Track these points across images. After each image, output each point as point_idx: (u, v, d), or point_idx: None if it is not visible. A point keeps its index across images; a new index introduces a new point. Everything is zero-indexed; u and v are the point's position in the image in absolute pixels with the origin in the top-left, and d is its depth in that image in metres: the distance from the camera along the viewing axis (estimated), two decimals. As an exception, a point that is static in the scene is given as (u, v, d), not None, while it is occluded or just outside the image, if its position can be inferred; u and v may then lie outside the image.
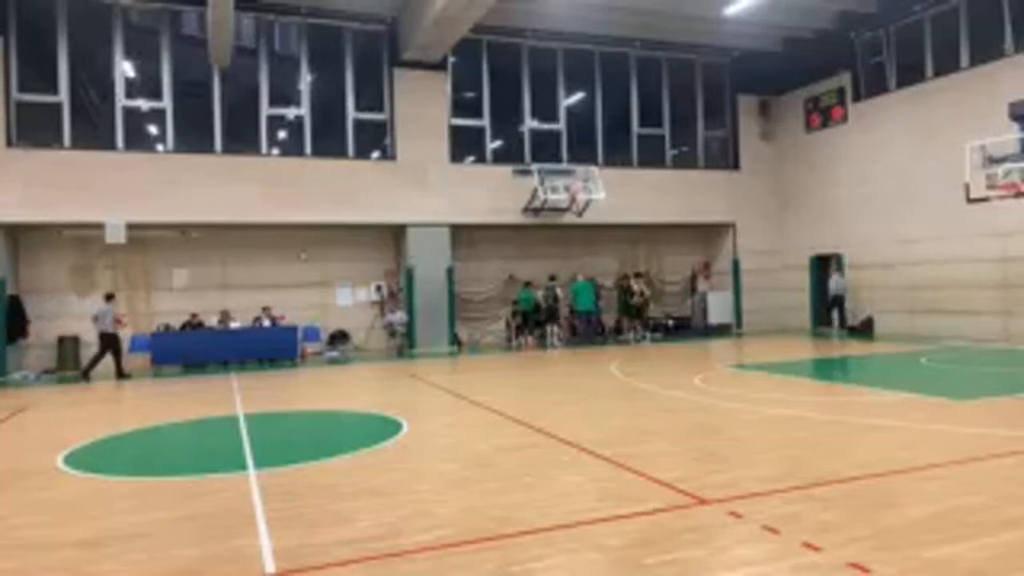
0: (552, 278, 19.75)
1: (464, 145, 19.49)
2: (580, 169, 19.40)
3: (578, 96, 20.93)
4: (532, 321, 19.49)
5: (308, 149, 18.13)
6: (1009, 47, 16.23)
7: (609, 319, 21.13)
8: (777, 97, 22.44)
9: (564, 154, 20.28)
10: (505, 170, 19.42)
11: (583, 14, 18.63)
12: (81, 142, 16.43)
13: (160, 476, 6.56)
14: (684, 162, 22.00)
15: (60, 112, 16.25)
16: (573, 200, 18.98)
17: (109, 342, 14.93)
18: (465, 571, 4.02)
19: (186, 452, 8.30)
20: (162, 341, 16.44)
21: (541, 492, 5.51)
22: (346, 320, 19.15)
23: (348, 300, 19.39)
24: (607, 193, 19.10)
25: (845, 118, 20.24)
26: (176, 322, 17.19)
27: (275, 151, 18.29)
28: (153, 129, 17.42)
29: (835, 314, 19.44)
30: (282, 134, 18.57)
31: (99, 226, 15.93)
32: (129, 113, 16.92)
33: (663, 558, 4.10)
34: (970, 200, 14.23)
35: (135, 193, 16.18)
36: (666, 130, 21.58)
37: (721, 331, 21.35)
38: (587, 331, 19.89)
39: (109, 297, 15.55)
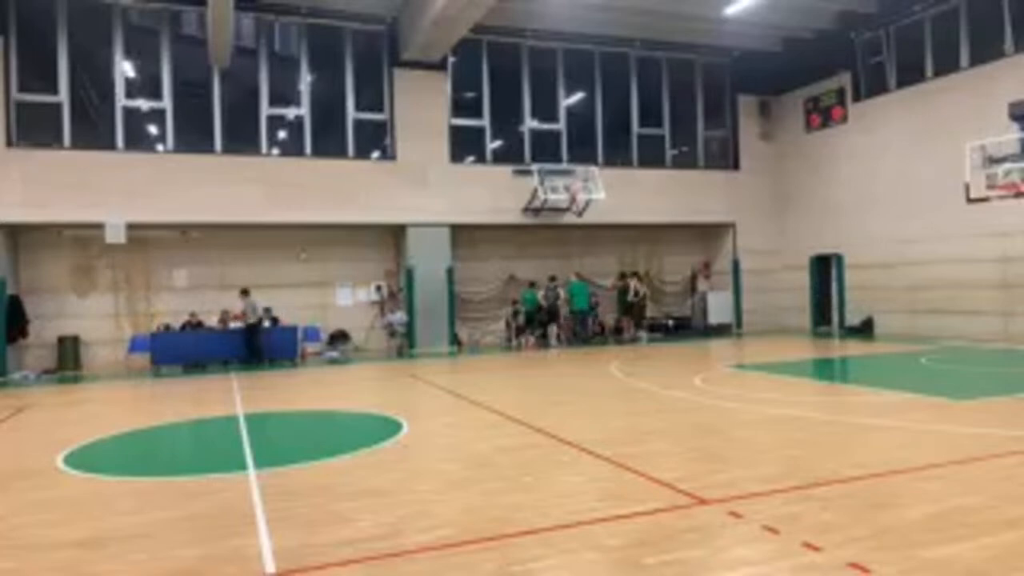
0: (552, 278, 19.75)
1: (464, 145, 19.49)
2: (580, 169, 19.40)
3: (578, 96, 20.93)
4: (536, 321, 19.51)
5: (308, 149, 18.13)
6: (1009, 47, 16.23)
7: (609, 319, 21.15)
8: (777, 97, 22.44)
9: (564, 154, 20.28)
10: (505, 170, 19.42)
11: (583, 14, 18.63)
12: (81, 142, 16.42)
13: (160, 476, 6.56)
14: (684, 162, 22.00)
15: (60, 112, 16.25)
16: (573, 200, 18.99)
17: (255, 329, 16.48)
18: (465, 571, 4.02)
19: (186, 452, 8.30)
20: (162, 341, 16.44)
21: (541, 492, 5.51)
22: (346, 320, 19.14)
23: (348, 300, 19.39)
24: (607, 193, 19.11)
25: (845, 118, 20.24)
26: (176, 322, 17.18)
27: (275, 151, 18.29)
28: (153, 129, 17.42)
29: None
30: (282, 134, 18.57)
31: (99, 226, 15.93)
32: (129, 113, 16.92)
33: (663, 558, 4.10)
34: (970, 200, 14.24)
35: (135, 193, 16.19)
36: (666, 130, 21.58)
37: (721, 331, 21.35)
38: (583, 331, 19.88)
39: (245, 292, 16.54)
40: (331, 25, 18.34)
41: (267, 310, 17.48)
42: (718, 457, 6.45)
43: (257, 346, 16.44)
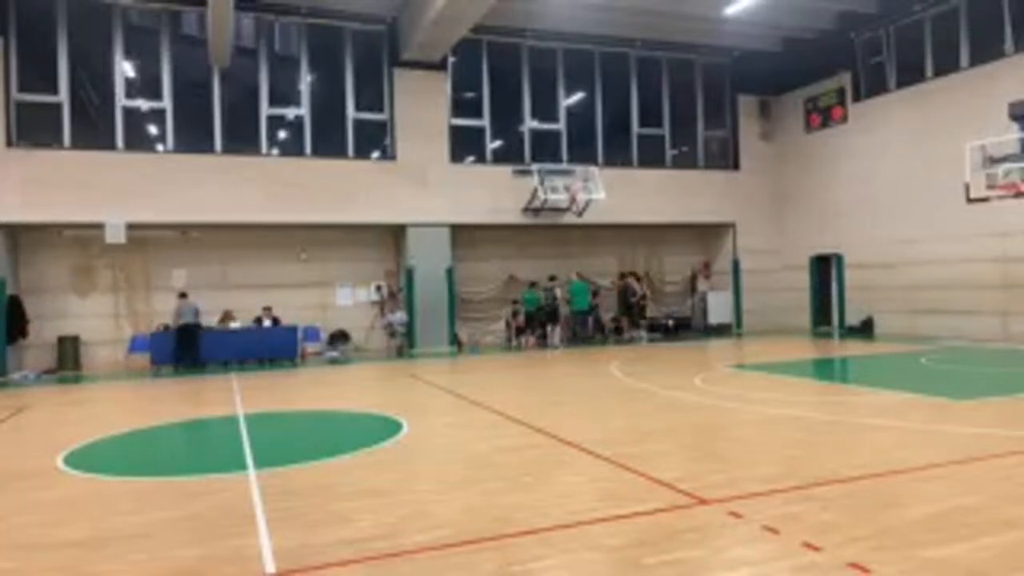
0: (552, 278, 19.75)
1: (464, 145, 19.49)
2: (580, 169, 19.40)
3: (578, 96, 20.93)
4: (537, 320, 19.51)
5: (308, 149, 18.13)
6: (1009, 47, 16.23)
7: (609, 319, 21.15)
8: (777, 97, 22.44)
9: (564, 154, 20.27)
10: (505, 170, 19.42)
11: (583, 14, 18.63)
12: (81, 142, 16.42)
13: (160, 476, 6.56)
14: (684, 162, 21.99)
15: (60, 112, 16.24)
16: (573, 200, 18.99)
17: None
18: (465, 571, 4.02)
19: (186, 452, 8.31)
20: (162, 341, 16.42)
21: (541, 492, 5.51)
22: (346, 320, 19.14)
23: (348, 300, 19.39)
24: (607, 193, 19.11)
25: (845, 118, 20.24)
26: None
27: (275, 151, 18.29)
28: (153, 129, 17.42)
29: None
30: (282, 134, 18.56)
31: (99, 226, 15.94)
32: (129, 113, 16.92)
33: (663, 558, 4.10)
34: (970, 200, 14.23)
35: (135, 193, 16.18)
36: (666, 130, 21.58)
37: (721, 331, 21.36)
38: (583, 331, 19.88)
39: (183, 295, 16.40)
40: (331, 25, 18.34)
41: (267, 309, 17.51)
42: (718, 457, 6.45)
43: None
